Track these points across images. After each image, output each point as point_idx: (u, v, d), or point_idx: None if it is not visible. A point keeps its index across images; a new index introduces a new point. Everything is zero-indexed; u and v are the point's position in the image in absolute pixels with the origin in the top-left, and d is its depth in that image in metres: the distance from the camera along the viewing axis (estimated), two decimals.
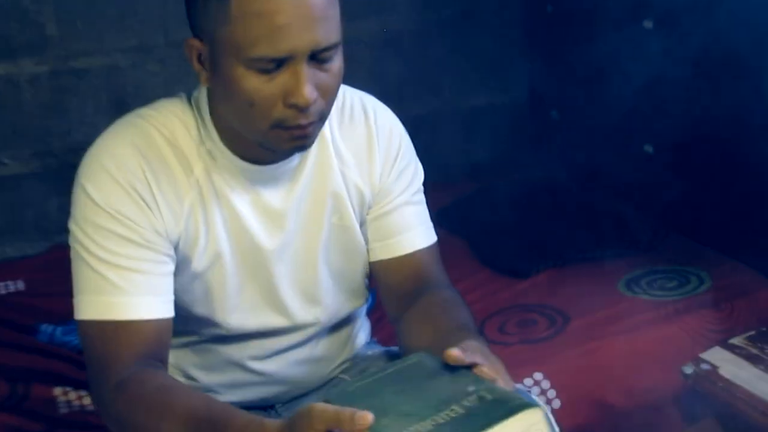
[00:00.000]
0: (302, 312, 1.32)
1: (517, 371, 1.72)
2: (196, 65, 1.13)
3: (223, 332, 1.30)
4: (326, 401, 0.97)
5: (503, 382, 1.00)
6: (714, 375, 1.68)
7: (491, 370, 1.00)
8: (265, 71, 1.06)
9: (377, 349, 1.54)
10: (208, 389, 1.37)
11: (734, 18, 1.95)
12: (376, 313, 1.45)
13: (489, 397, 0.94)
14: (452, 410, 0.93)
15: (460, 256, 2.21)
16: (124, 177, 1.13)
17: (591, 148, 2.53)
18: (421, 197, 1.37)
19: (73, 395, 1.76)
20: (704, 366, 1.71)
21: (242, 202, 1.22)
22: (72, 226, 1.16)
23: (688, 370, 1.72)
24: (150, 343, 1.15)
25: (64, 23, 2.42)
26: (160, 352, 1.17)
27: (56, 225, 2.47)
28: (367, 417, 0.88)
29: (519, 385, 1.72)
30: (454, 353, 0.98)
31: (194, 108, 1.20)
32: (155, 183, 1.15)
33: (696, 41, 2.04)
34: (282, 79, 1.07)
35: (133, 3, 2.48)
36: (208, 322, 1.28)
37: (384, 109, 1.36)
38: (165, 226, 1.16)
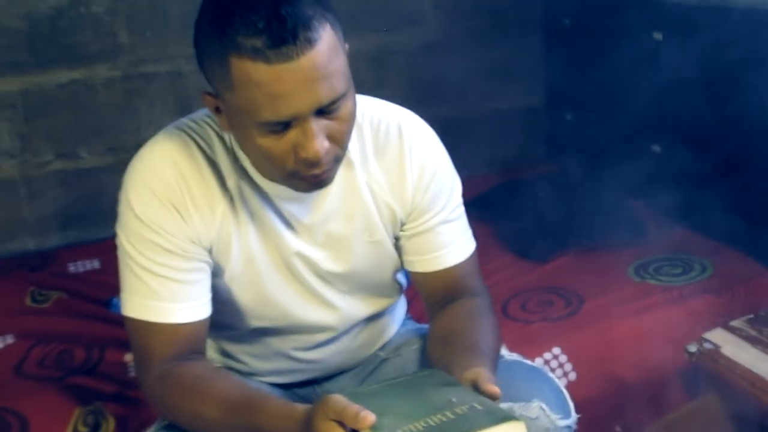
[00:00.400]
0: (337, 307, 1.28)
1: (537, 346, 1.75)
2: (216, 114, 1.08)
3: (268, 324, 1.27)
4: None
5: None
6: (716, 354, 1.65)
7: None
8: (275, 131, 1.00)
9: (411, 327, 1.51)
10: (256, 373, 1.35)
11: (737, 30, 1.92)
12: (411, 290, 1.43)
13: (480, 407, 0.93)
14: (444, 415, 0.92)
15: (486, 242, 2.16)
16: (161, 191, 1.10)
17: (603, 147, 2.49)
18: (460, 212, 1.29)
19: None
20: (707, 345, 1.68)
21: (271, 214, 1.17)
22: (118, 231, 1.14)
23: (692, 348, 1.69)
24: (186, 342, 1.13)
25: (134, 33, 2.42)
26: (197, 347, 1.16)
27: None
28: (369, 418, 0.89)
29: (539, 359, 1.73)
30: (493, 389, 0.98)
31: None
32: (189, 196, 1.11)
33: (701, 52, 2.00)
34: (292, 135, 1.00)
35: (195, 15, 2.45)
36: (252, 317, 1.25)
37: (421, 130, 1.25)
38: (198, 235, 1.13)
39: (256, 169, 1.12)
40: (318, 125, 1.00)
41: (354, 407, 0.90)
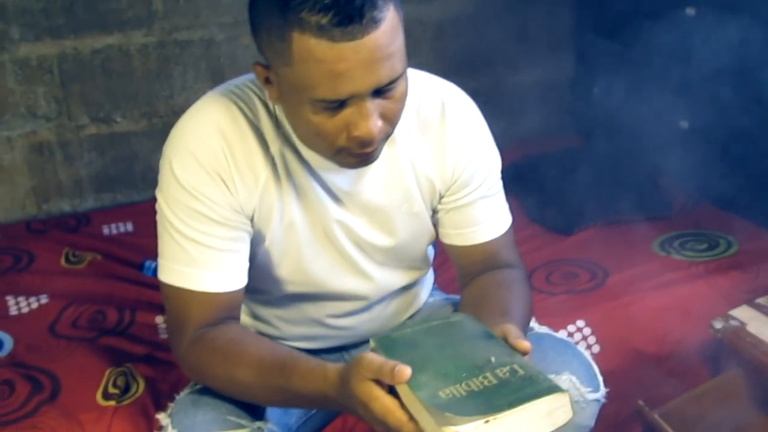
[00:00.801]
0: (373, 277, 1.25)
1: (562, 318, 1.71)
2: (265, 85, 1.04)
3: (303, 291, 1.24)
4: (373, 349, 0.95)
5: None
6: (742, 331, 1.60)
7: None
8: (330, 109, 0.96)
9: (438, 297, 1.49)
10: (286, 338, 1.33)
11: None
12: (436, 260, 1.40)
13: (521, 372, 0.89)
14: (485, 378, 0.88)
15: (512, 213, 2.12)
16: (206, 159, 1.06)
17: (630, 121, 2.42)
18: (498, 187, 1.26)
19: None
20: (733, 322, 1.63)
21: (313, 182, 1.13)
22: (158, 195, 1.10)
23: (718, 325, 1.64)
24: (221, 310, 1.10)
25: (168, 0, 2.36)
26: (232, 314, 1.13)
27: None
28: (405, 373, 0.86)
29: (562, 332, 1.68)
30: (523, 344, 0.94)
31: None
32: (234, 163, 1.07)
33: (733, 28, 1.92)
34: (346, 113, 0.97)
35: None
36: (288, 283, 1.22)
37: (464, 105, 1.21)
38: (242, 204, 1.09)
39: (303, 143, 1.08)
40: (373, 105, 0.96)
41: (390, 363, 0.87)
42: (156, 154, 2.41)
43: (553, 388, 0.86)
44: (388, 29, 0.93)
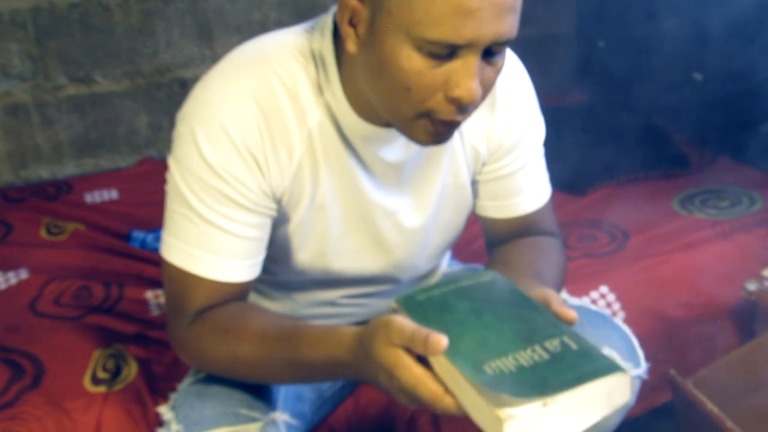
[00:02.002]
0: (406, 259, 1.12)
1: (583, 284, 1.59)
2: (346, 27, 0.87)
3: (320, 276, 1.10)
4: (394, 310, 0.84)
5: None
6: None
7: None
8: (436, 56, 0.82)
9: (456, 266, 1.37)
10: (294, 316, 1.19)
11: None
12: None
13: (573, 346, 0.78)
14: (535, 351, 0.78)
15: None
16: (240, 137, 0.91)
17: (638, 75, 2.29)
18: (540, 155, 1.14)
19: (164, 298, 1.58)
20: (767, 283, 1.50)
21: (354, 157, 0.99)
22: (173, 166, 0.94)
23: (752, 286, 1.52)
24: (226, 299, 0.97)
25: None
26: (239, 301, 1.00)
27: (145, 140, 2.37)
28: (441, 343, 0.75)
29: (585, 298, 1.56)
30: (570, 313, 0.83)
31: (316, 56, 0.95)
32: (270, 141, 0.93)
33: None
34: (450, 68, 0.83)
35: None
36: (307, 266, 1.08)
37: (513, 70, 1.09)
38: (272, 186, 0.95)
39: (380, 100, 0.90)
40: (480, 66, 0.84)
41: (423, 331, 0.76)
42: (141, 116, 2.31)
43: (614, 367, 0.76)
44: None
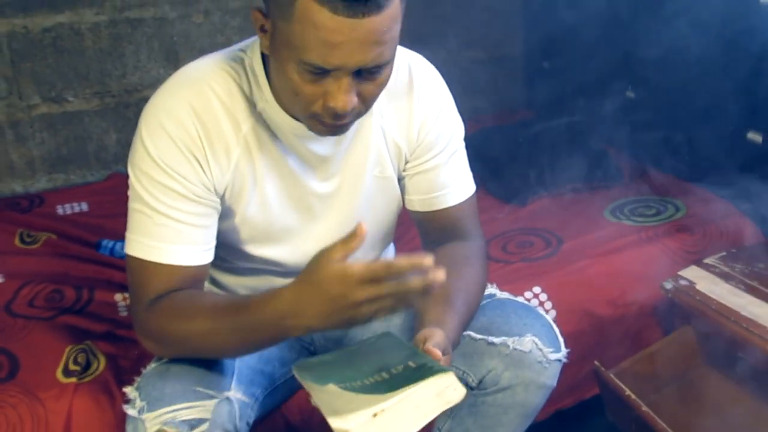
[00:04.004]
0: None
1: (518, 285, 1.71)
2: (259, 33, 1.03)
3: (272, 267, 1.23)
4: (293, 377, 1.00)
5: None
6: (692, 290, 1.63)
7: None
8: (313, 74, 0.97)
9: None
10: None
11: None
12: (397, 231, 1.38)
13: (413, 365, 0.91)
14: (380, 376, 0.90)
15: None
16: (179, 136, 1.05)
17: (579, 94, 2.43)
18: (461, 154, 1.27)
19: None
20: (683, 282, 1.66)
21: (289, 152, 1.14)
22: (129, 170, 1.08)
23: (668, 285, 1.67)
24: (184, 281, 1.09)
25: None
26: (195, 288, 1.11)
27: (113, 156, 2.44)
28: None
29: (520, 297, 1.69)
30: (435, 352, 0.97)
31: (248, 69, 1.10)
32: (207, 141, 1.07)
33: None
34: (327, 83, 0.98)
35: None
36: (257, 255, 1.21)
37: (429, 73, 1.23)
38: (213, 181, 1.09)
39: (280, 99, 1.08)
40: (354, 82, 0.98)
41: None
42: (110, 133, 2.41)
43: (436, 370, 0.89)
44: (388, 17, 0.94)
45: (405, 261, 0.87)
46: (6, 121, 2.28)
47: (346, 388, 0.89)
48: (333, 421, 0.85)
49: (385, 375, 0.91)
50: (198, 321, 1.03)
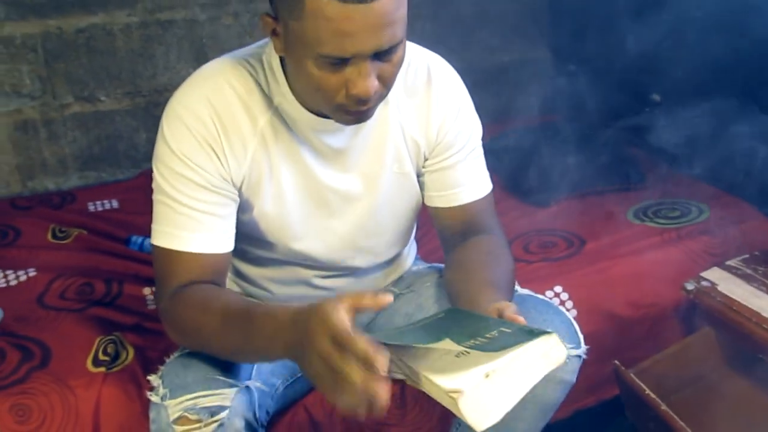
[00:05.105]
0: (362, 240, 1.29)
1: (539, 284, 1.72)
2: (271, 37, 1.06)
3: (291, 257, 1.27)
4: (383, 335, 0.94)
5: None
6: (713, 291, 1.63)
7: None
8: (332, 65, 0.99)
9: (422, 266, 1.52)
10: (279, 300, 1.35)
11: None
12: (419, 232, 1.41)
13: (509, 330, 0.90)
14: (476, 340, 0.87)
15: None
16: (197, 129, 1.10)
17: (605, 96, 2.44)
18: (478, 153, 1.30)
19: None
20: (704, 283, 1.67)
21: (305, 145, 1.17)
22: (153, 165, 1.14)
23: (690, 286, 1.67)
24: (206, 271, 1.12)
25: None
26: (217, 279, 1.14)
27: (143, 154, 2.49)
28: (386, 298, 0.87)
29: (541, 296, 1.70)
30: (521, 319, 0.95)
31: (266, 65, 1.14)
32: (224, 134, 1.11)
33: (699, 4, 1.93)
34: (347, 72, 1.00)
35: None
36: (278, 248, 1.25)
37: (448, 73, 1.26)
38: (230, 172, 1.13)
39: (303, 97, 1.11)
40: (372, 66, 1.00)
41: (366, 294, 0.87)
42: (139, 132, 2.46)
43: (542, 332, 0.88)
44: None
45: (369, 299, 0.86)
46: (40, 119, 2.33)
47: (463, 344, 0.84)
48: (442, 381, 0.82)
49: (481, 340, 0.87)
50: (207, 318, 1.05)
